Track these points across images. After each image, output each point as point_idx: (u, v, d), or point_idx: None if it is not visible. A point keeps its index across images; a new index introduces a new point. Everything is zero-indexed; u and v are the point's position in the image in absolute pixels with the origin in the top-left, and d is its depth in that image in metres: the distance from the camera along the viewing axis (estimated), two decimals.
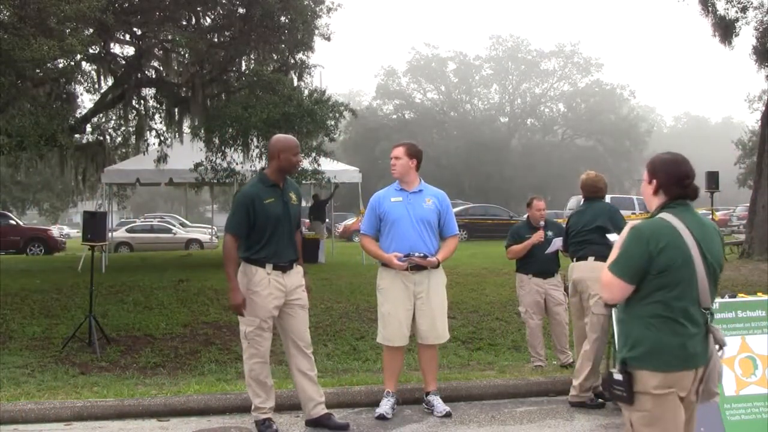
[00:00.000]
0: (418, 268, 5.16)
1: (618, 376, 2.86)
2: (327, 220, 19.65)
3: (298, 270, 4.96)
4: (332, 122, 14.50)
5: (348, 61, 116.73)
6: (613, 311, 3.23)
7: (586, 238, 5.68)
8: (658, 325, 2.81)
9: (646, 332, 2.83)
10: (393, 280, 5.20)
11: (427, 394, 5.35)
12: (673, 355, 2.80)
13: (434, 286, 5.24)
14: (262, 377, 4.80)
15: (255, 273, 4.74)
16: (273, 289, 4.75)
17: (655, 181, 2.97)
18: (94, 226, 8.38)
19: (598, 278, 5.44)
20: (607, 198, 25.87)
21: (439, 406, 5.25)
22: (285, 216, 4.83)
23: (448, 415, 5.18)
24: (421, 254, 5.13)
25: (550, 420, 5.17)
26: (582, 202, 6.15)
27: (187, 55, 14.64)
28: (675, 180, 2.93)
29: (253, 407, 4.83)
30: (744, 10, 14.76)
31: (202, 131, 14.65)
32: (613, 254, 2.94)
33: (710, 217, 20.19)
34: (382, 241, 5.33)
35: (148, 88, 16.61)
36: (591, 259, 5.63)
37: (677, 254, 2.80)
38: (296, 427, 4.99)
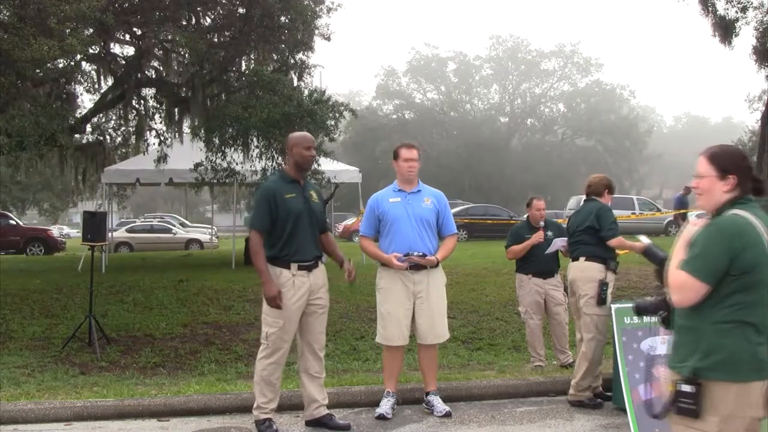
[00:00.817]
0: (417, 267, 5.17)
1: (687, 388, 2.58)
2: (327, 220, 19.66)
3: (322, 269, 4.95)
4: (332, 122, 14.48)
5: (348, 61, 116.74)
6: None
7: (579, 238, 5.71)
8: (733, 331, 2.57)
9: (721, 340, 2.58)
10: (392, 280, 5.21)
11: (427, 394, 5.36)
12: (748, 365, 2.57)
13: (434, 286, 5.26)
14: (273, 379, 4.80)
15: (280, 275, 4.72)
16: (298, 290, 4.74)
17: (733, 178, 2.69)
18: (94, 226, 8.38)
19: (588, 278, 5.51)
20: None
21: (439, 406, 5.26)
22: (306, 212, 4.82)
23: (447, 415, 5.19)
24: (420, 253, 5.14)
25: (550, 420, 5.17)
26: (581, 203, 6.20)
27: (187, 55, 14.63)
28: (749, 174, 2.73)
29: (255, 405, 4.82)
30: (744, 10, 14.75)
31: (202, 131, 14.64)
32: (683, 253, 2.67)
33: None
34: (381, 241, 5.34)
35: (148, 88, 16.60)
36: (582, 259, 5.65)
37: (760, 253, 2.57)
38: (296, 427, 4.99)
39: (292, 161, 4.89)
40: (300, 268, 4.75)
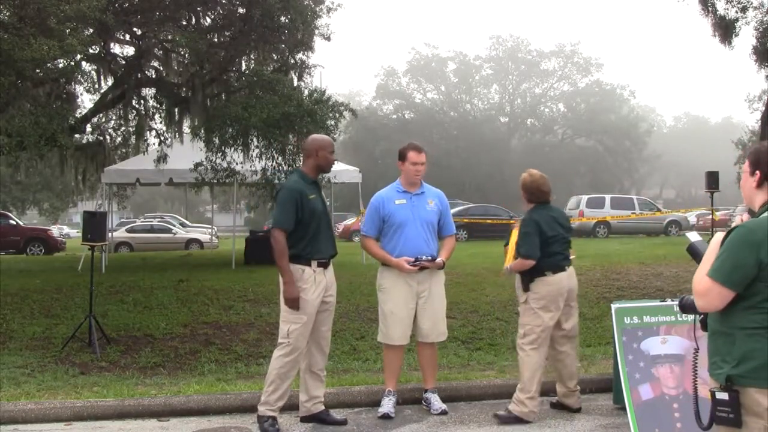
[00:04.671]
0: (421, 267, 5.22)
1: (723, 396, 2.50)
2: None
3: (331, 267, 5.05)
4: (332, 122, 14.48)
5: (348, 61, 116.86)
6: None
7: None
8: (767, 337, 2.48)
9: (755, 345, 2.47)
10: (396, 280, 5.24)
11: (426, 391, 5.42)
12: None
13: (436, 286, 5.33)
14: (289, 376, 4.84)
15: (303, 271, 4.79)
16: (318, 286, 4.84)
17: (758, 173, 2.62)
18: (94, 226, 8.36)
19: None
20: (608, 198, 26.03)
21: (436, 403, 5.32)
22: (324, 212, 4.98)
23: (443, 413, 5.24)
24: (429, 257, 5.21)
25: (550, 420, 5.17)
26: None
27: (187, 55, 14.63)
28: None
29: (263, 401, 4.83)
30: (744, 10, 14.72)
31: (202, 131, 14.63)
32: (710, 257, 2.59)
33: (710, 217, 20.13)
34: (385, 243, 5.33)
35: (148, 88, 16.59)
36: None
37: None
38: (296, 427, 4.99)
39: (314, 164, 4.99)
40: (319, 265, 4.86)
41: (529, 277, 5.18)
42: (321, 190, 5.10)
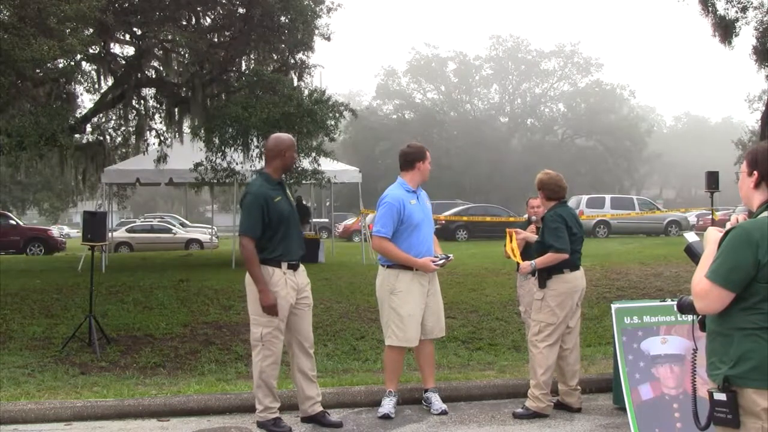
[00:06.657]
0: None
1: (720, 397, 2.49)
2: (311, 220, 19.67)
3: (303, 268, 5.02)
4: (332, 122, 14.48)
5: (348, 61, 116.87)
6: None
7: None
8: (764, 338, 2.46)
9: (753, 345, 2.47)
10: (411, 282, 5.25)
11: (426, 390, 5.45)
12: None
13: (437, 282, 5.46)
14: (272, 379, 4.83)
15: (273, 274, 4.76)
16: (289, 289, 4.81)
17: (756, 173, 2.60)
18: (94, 226, 8.36)
19: None
20: (607, 198, 26.06)
21: (437, 403, 5.34)
22: (291, 213, 4.91)
23: (444, 412, 5.26)
24: (446, 256, 5.35)
25: (550, 420, 5.18)
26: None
27: (187, 55, 14.63)
28: None
29: (262, 408, 4.83)
30: (744, 10, 14.72)
31: (202, 131, 14.64)
32: (709, 259, 2.58)
33: (710, 217, 20.11)
34: (400, 243, 5.25)
35: (148, 88, 16.60)
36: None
37: None
38: (296, 427, 5.00)
39: (281, 164, 4.91)
40: (289, 266, 4.83)
41: (546, 274, 5.26)
42: (286, 191, 4.98)
